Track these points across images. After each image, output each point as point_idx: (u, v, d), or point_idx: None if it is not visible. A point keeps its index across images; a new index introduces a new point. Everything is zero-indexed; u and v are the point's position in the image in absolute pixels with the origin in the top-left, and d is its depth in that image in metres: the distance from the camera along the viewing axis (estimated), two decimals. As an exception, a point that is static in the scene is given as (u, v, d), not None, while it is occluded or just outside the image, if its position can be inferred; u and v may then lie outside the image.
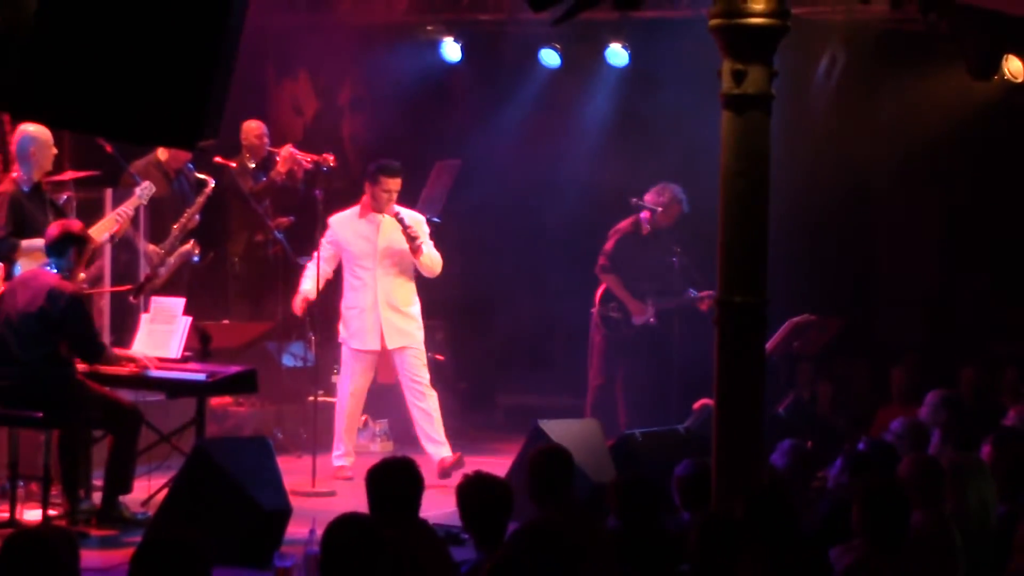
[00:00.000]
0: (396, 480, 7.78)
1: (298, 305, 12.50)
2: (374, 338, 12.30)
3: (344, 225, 12.47)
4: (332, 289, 14.93)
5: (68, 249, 10.56)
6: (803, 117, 14.05)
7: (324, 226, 12.63)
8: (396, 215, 12.20)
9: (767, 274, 8.69)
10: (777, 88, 8.68)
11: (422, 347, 12.38)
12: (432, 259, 12.31)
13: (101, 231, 12.13)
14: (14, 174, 11.67)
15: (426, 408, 12.29)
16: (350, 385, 12.47)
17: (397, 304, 12.34)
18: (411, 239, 12.18)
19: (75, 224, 10.80)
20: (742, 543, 6.93)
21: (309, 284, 12.38)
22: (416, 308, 12.44)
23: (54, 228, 10.68)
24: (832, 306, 14.18)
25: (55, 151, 11.72)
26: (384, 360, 12.70)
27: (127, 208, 12.42)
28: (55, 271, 10.55)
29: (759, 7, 8.43)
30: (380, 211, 12.34)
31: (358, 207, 12.51)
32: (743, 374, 8.60)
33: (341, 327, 12.59)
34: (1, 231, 11.40)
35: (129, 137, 10.43)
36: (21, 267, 11.26)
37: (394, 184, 12.29)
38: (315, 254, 12.55)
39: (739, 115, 8.55)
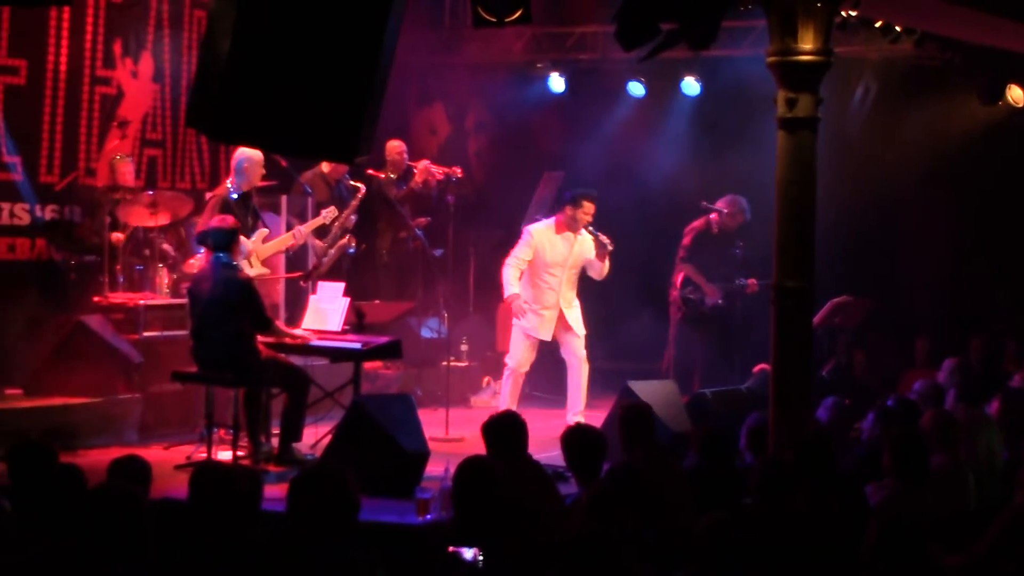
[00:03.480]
0: (504, 428, 7.81)
1: (518, 308, 12.03)
2: (547, 331, 12.10)
3: (542, 235, 12.13)
4: (461, 276, 15.02)
5: (230, 240, 10.61)
6: (842, 136, 13.94)
7: (454, 224, 12.55)
8: (591, 231, 12.05)
9: (814, 263, 8.66)
10: (822, 112, 8.64)
11: (583, 334, 12.30)
12: (607, 266, 12.17)
13: (281, 244, 12.22)
14: (228, 183, 11.80)
15: (579, 379, 12.20)
16: (519, 358, 12.22)
17: (570, 302, 12.19)
18: (605, 250, 12.03)
19: (227, 219, 10.74)
20: (794, 481, 6.90)
21: (515, 287, 12.07)
22: (577, 303, 12.34)
23: (215, 222, 10.71)
24: (866, 289, 14.08)
25: (263, 171, 11.83)
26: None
27: (307, 228, 12.52)
28: (224, 261, 10.57)
29: (808, 47, 8.42)
30: (576, 230, 12.09)
31: (553, 221, 12.19)
32: (794, 344, 8.59)
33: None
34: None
35: (301, 153, 10.50)
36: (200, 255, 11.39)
37: (592, 208, 12.05)
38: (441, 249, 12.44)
39: (791, 134, 8.54)
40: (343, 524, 5.67)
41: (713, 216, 13.68)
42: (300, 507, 5.70)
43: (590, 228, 12.07)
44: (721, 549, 5.46)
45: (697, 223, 13.73)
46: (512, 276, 12.06)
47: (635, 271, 14.57)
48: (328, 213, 12.64)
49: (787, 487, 6.82)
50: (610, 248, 12.02)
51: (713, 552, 5.48)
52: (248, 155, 11.59)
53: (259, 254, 11.69)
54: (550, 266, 12.09)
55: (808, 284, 8.60)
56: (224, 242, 10.54)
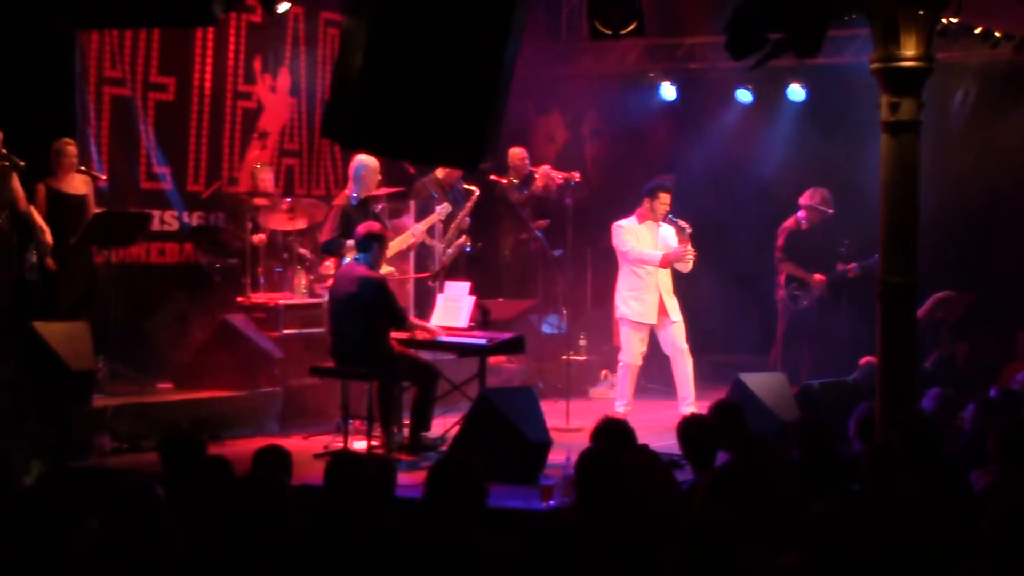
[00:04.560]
0: (611, 431, 7.76)
1: (678, 250, 12.02)
2: (652, 314, 12.11)
3: (631, 229, 12.22)
4: (579, 275, 15.00)
5: (371, 245, 10.67)
6: (944, 138, 13.74)
7: (573, 225, 12.53)
8: (672, 220, 12.09)
9: (917, 260, 8.54)
10: (924, 116, 8.52)
11: (679, 319, 12.26)
12: (692, 256, 12.19)
13: (403, 243, 12.31)
14: (347, 191, 11.87)
15: (685, 370, 12.16)
16: (632, 352, 12.24)
17: (669, 289, 12.20)
18: (685, 233, 12.04)
19: (374, 225, 10.86)
20: (902, 467, 6.81)
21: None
22: (675, 297, 12.30)
23: (361, 228, 10.80)
24: (967, 284, 13.87)
25: (380, 177, 11.90)
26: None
27: (424, 225, 12.59)
28: (363, 264, 10.67)
29: (910, 53, 8.31)
30: (656, 220, 12.16)
31: (635, 216, 12.26)
32: (900, 337, 8.47)
33: (622, 306, 12.29)
34: (333, 234, 11.63)
35: (429, 160, 10.61)
36: (347, 260, 11.48)
37: (668, 198, 12.11)
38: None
39: (895, 137, 8.43)
40: (474, 510, 5.69)
41: (801, 213, 13.61)
42: (435, 494, 5.73)
43: (669, 216, 12.12)
44: (834, 532, 5.40)
45: (787, 223, 13.68)
46: (645, 250, 12.12)
47: (745, 269, 14.48)
48: (442, 209, 12.69)
49: (895, 473, 6.73)
50: (689, 231, 12.06)
51: (826, 534, 5.43)
52: (365, 163, 11.67)
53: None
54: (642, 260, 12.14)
55: (912, 280, 8.48)
56: (365, 245, 10.63)
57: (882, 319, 8.47)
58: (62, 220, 11.33)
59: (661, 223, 12.22)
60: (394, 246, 12.05)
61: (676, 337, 12.16)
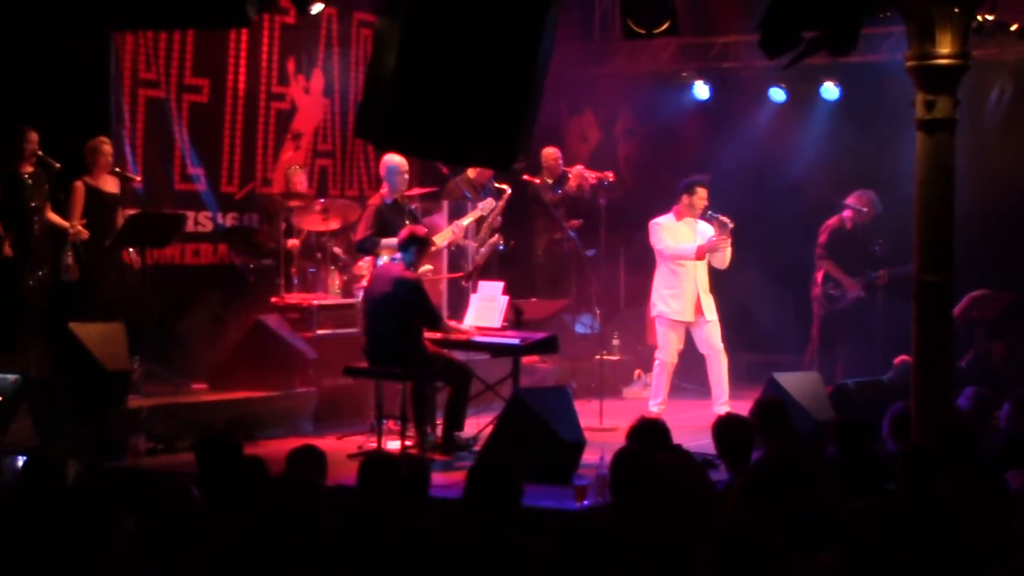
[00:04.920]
0: (647, 431, 7.74)
1: (713, 241, 12.02)
2: (689, 312, 12.09)
3: (668, 224, 12.20)
4: (613, 275, 14.99)
5: (411, 247, 10.70)
6: (979, 136, 13.67)
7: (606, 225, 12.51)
8: (713, 215, 12.08)
9: (953, 258, 8.51)
10: (959, 113, 8.49)
11: (714, 318, 12.24)
12: (728, 254, 12.16)
13: (443, 239, 12.34)
14: (382, 190, 11.92)
15: (719, 370, 12.14)
16: (669, 350, 12.23)
17: (705, 287, 12.17)
18: (726, 228, 12.03)
19: (420, 229, 10.93)
20: (937, 467, 6.77)
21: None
22: (711, 296, 12.28)
23: (404, 231, 10.85)
24: (1003, 282, 13.78)
25: (407, 176, 11.93)
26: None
27: (466, 221, 12.61)
28: (402, 264, 10.71)
29: (945, 51, 8.29)
30: (695, 216, 12.14)
31: (672, 213, 12.23)
32: (935, 336, 8.45)
33: (659, 304, 12.28)
34: (366, 232, 11.67)
35: (462, 160, 10.62)
36: (382, 260, 11.51)
37: (705, 193, 12.12)
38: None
39: (930, 136, 8.40)
40: (510, 510, 5.70)
41: (847, 213, 13.56)
42: (473, 494, 5.74)
43: (709, 212, 12.12)
44: (870, 532, 5.38)
45: (831, 221, 13.62)
46: (681, 247, 12.09)
47: (778, 268, 14.44)
48: (485, 205, 12.69)
49: (930, 473, 6.70)
50: (731, 226, 12.06)
51: (862, 534, 5.40)
52: (395, 163, 11.72)
53: None
54: (681, 256, 12.13)
55: (948, 279, 8.46)
56: (406, 246, 10.69)
57: (917, 318, 8.44)
58: (99, 218, 11.38)
59: (699, 219, 12.19)
60: (436, 240, 12.12)
61: (712, 336, 12.14)
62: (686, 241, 12.15)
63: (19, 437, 9.68)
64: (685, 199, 12.16)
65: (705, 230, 12.19)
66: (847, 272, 13.46)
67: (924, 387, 8.36)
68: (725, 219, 12.06)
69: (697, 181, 12.22)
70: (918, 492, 6.61)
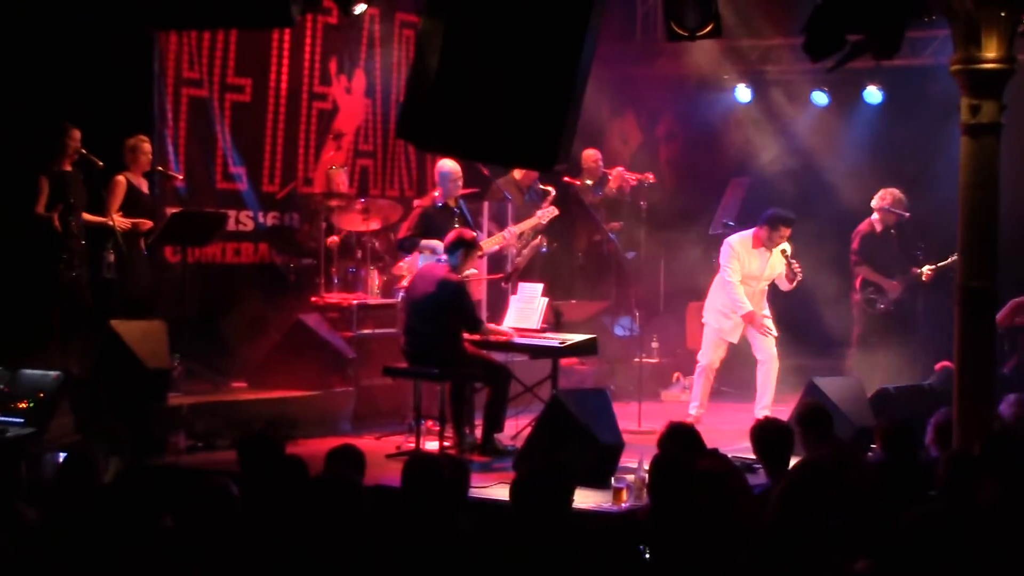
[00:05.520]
0: (678, 436, 7.71)
1: (759, 324, 12.00)
2: (736, 335, 12.09)
3: (741, 248, 12.09)
4: (652, 277, 14.96)
5: (458, 250, 10.72)
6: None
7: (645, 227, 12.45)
8: (784, 252, 12.00)
9: (997, 264, 8.45)
10: (1005, 118, 8.43)
11: (775, 335, 12.16)
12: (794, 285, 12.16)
13: (491, 244, 12.36)
14: (434, 193, 11.94)
15: (769, 376, 12.07)
16: (711, 356, 12.22)
17: (761, 309, 12.11)
18: (795, 277, 11.98)
19: (467, 233, 10.94)
20: (980, 474, 6.72)
21: (747, 304, 11.97)
22: (768, 311, 12.20)
23: (451, 234, 10.87)
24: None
25: (460, 183, 11.93)
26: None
27: (518, 228, 12.60)
28: (447, 265, 10.73)
29: (991, 55, 8.22)
30: (770, 249, 12.03)
31: (750, 235, 12.12)
32: (978, 343, 8.38)
33: (710, 316, 12.25)
34: (409, 232, 11.68)
35: (503, 162, 10.62)
36: (423, 260, 11.53)
37: (788, 232, 12.01)
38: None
39: (975, 140, 8.34)
40: (558, 513, 5.72)
41: (875, 215, 13.44)
42: (522, 499, 5.75)
43: (786, 252, 12.03)
44: (910, 539, 5.35)
45: (861, 226, 13.51)
46: (741, 292, 12.03)
47: (822, 273, 14.34)
48: (545, 214, 12.63)
49: (973, 480, 6.65)
50: (799, 278, 12.00)
51: (901, 541, 5.37)
52: (447, 169, 11.75)
53: None
54: (746, 277, 12.08)
55: (991, 284, 8.38)
56: (452, 249, 10.72)
57: (960, 323, 8.37)
58: (137, 215, 11.41)
59: (773, 253, 12.08)
60: (485, 246, 12.13)
61: (769, 344, 12.09)
62: (756, 268, 12.07)
63: (60, 433, 9.72)
64: (766, 231, 12.03)
65: (776, 263, 12.09)
66: (884, 274, 13.37)
67: (966, 394, 8.29)
68: (797, 269, 11.95)
69: (784, 219, 12.06)
70: (960, 500, 6.56)
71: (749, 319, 12.00)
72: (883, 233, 13.43)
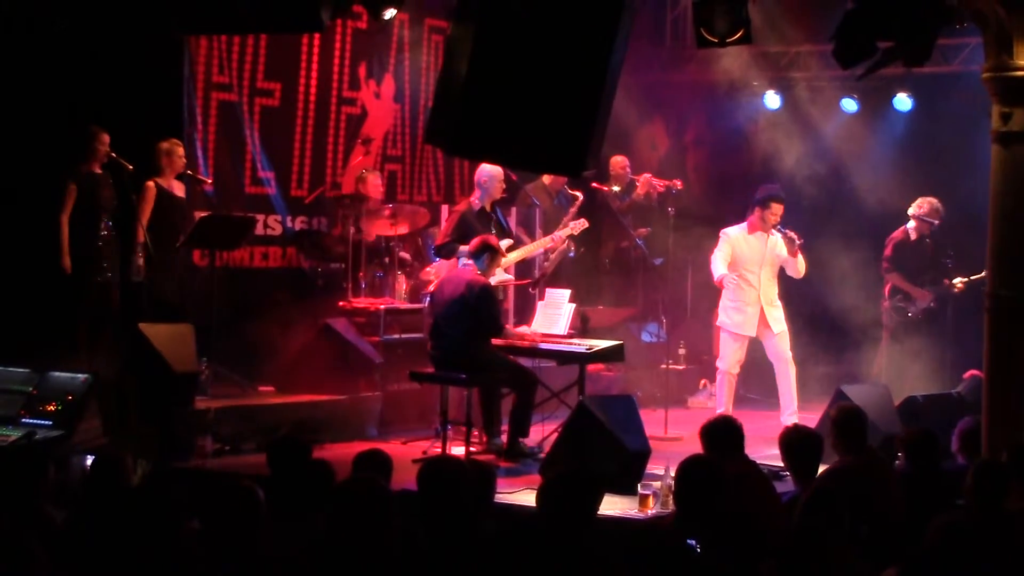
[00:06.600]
0: (722, 431, 7.70)
1: (729, 280, 12.00)
2: (752, 326, 12.05)
3: (737, 237, 12.15)
4: (679, 284, 14.93)
5: (483, 255, 10.75)
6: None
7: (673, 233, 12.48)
8: (781, 230, 12.03)
9: (1028, 272, 8.43)
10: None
11: (782, 330, 12.18)
12: (802, 263, 12.14)
13: (535, 249, 12.37)
14: (472, 197, 11.93)
15: (788, 380, 12.07)
16: (729, 360, 12.18)
17: (772, 300, 12.13)
18: (794, 245, 11.99)
19: (492, 239, 10.96)
20: (1008, 482, 6.69)
21: (723, 270, 12.02)
22: (779, 304, 12.23)
23: (475, 240, 10.89)
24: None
25: (503, 185, 11.91)
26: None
27: (549, 238, 12.57)
28: (475, 268, 10.76)
29: (1023, 62, 8.19)
30: (767, 230, 12.08)
31: (746, 224, 12.17)
32: (1007, 350, 8.36)
33: (722, 315, 12.26)
34: (447, 237, 11.65)
35: (531, 167, 10.61)
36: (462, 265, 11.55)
37: (780, 208, 12.05)
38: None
39: (1006, 148, 8.33)
40: (585, 520, 5.72)
41: (911, 223, 13.38)
42: (549, 505, 5.76)
43: (778, 227, 12.04)
44: (936, 549, 5.33)
45: (896, 233, 13.46)
46: (719, 262, 12.08)
47: (848, 279, 14.32)
48: (577, 225, 12.60)
49: (1001, 488, 6.62)
50: (799, 242, 12.02)
51: (928, 551, 5.35)
52: (489, 172, 11.71)
53: (504, 261, 11.72)
54: (746, 264, 12.10)
55: (1021, 293, 8.35)
56: (477, 254, 10.78)
57: (990, 332, 8.36)
58: (169, 219, 11.45)
59: (772, 233, 12.12)
60: (520, 253, 12.21)
61: (780, 346, 12.08)
62: (756, 252, 12.08)
63: (88, 436, 9.75)
64: (759, 212, 12.10)
65: (776, 244, 12.11)
66: (915, 283, 13.32)
67: (995, 402, 8.27)
68: (792, 235, 11.99)
69: (773, 196, 12.14)
70: (987, 509, 6.54)
71: (719, 283, 12.06)
72: (917, 241, 13.38)
